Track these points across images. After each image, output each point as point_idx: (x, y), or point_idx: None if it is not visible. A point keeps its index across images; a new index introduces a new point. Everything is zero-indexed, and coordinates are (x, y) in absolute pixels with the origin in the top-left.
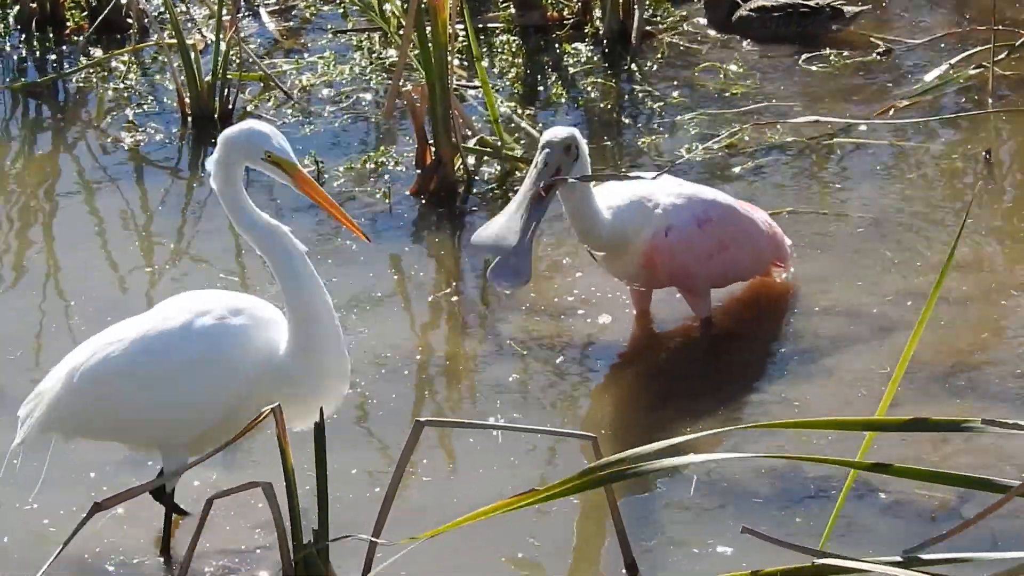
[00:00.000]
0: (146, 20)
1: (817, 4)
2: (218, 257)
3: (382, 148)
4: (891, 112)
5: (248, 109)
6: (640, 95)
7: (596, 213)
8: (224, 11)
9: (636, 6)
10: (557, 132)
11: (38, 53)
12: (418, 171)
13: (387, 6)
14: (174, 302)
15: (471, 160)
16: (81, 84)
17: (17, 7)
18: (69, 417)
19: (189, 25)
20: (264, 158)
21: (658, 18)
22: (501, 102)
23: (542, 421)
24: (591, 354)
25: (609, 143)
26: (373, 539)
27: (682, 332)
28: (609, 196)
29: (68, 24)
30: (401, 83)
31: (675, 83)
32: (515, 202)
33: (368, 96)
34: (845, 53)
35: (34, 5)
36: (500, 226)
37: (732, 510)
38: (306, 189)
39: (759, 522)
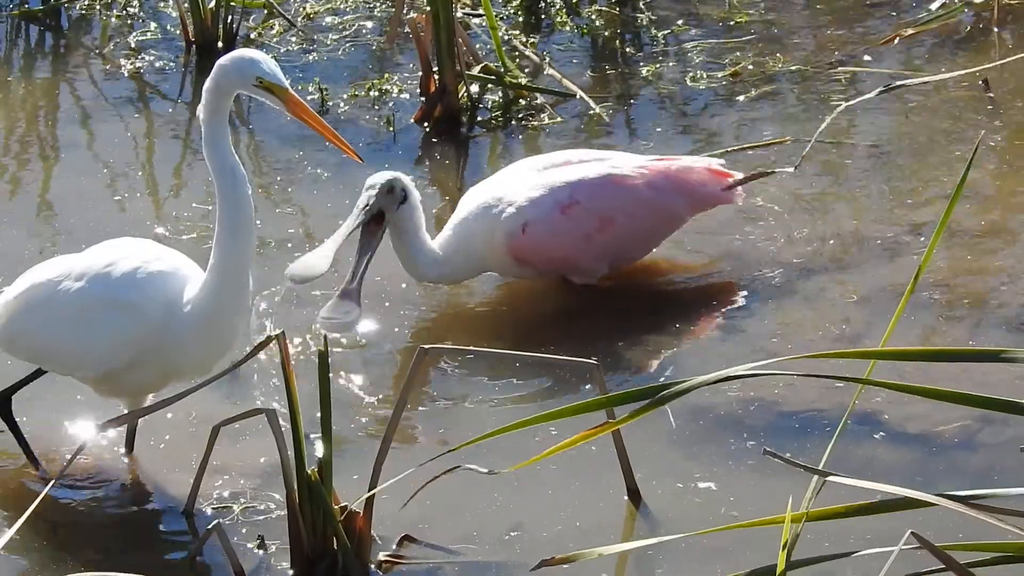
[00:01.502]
0: None
1: None
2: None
3: (386, 76)
4: (896, 41)
5: (251, 36)
6: (644, 23)
7: (422, 257)
8: None
9: None
10: (380, 175)
11: None
12: (422, 99)
13: None
14: (104, 245)
15: (475, 88)
16: (83, 11)
17: None
18: (1, 334)
19: None
20: (256, 84)
21: None
22: (505, 30)
23: (541, 349)
24: (599, 289)
25: (612, 72)
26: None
27: (684, 259)
28: (460, 210)
29: None
30: (405, 11)
31: (679, 11)
32: (331, 240)
33: (371, 24)
34: None
35: None
36: (313, 258)
37: (739, 436)
38: (298, 112)
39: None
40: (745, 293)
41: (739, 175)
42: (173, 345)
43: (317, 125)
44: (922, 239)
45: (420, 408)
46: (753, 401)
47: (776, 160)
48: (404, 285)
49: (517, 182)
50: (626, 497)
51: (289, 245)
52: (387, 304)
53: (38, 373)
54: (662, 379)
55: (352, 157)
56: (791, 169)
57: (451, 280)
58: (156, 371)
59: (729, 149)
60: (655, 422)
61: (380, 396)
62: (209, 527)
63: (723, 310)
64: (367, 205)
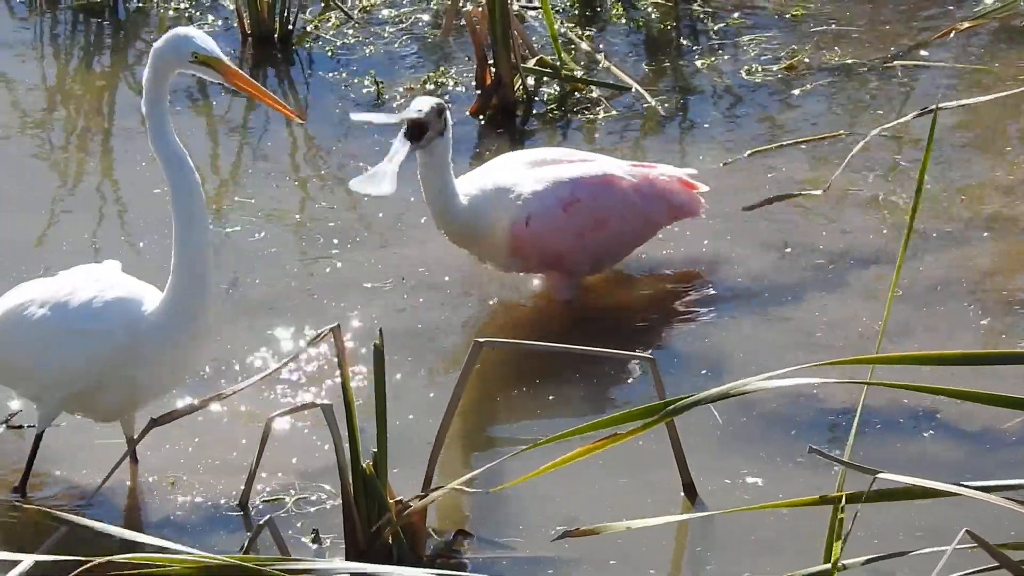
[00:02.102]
0: None
1: None
2: (273, 176)
3: (442, 68)
4: (952, 35)
5: (307, 29)
6: (699, 16)
7: (452, 196)
8: None
9: None
10: (428, 99)
11: None
12: (478, 91)
13: None
14: (71, 272)
15: (530, 80)
16: (141, 3)
17: None
18: None
19: None
20: (192, 60)
21: None
22: (561, 23)
23: (604, 345)
24: (647, 281)
25: (668, 65)
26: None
27: (736, 263)
28: (469, 183)
29: None
30: (461, 3)
31: (735, 4)
32: (390, 159)
33: (427, 17)
34: None
35: None
36: (379, 176)
37: (787, 435)
38: (235, 82)
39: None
40: (796, 286)
41: (704, 187)
42: (140, 361)
43: (256, 91)
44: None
45: (474, 401)
46: (800, 397)
47: (828, 154)
48: (458, 276)
49: (519, 175)
50: (682, 493)
51: (348, 237)
52: (440, 297)
53: None
54: (706, 373)
55: (292, 119)
56: (818, 192)
57: (466, 231)
58: (126, 390)
59: (783, 143)
60: (700, 418)
61: (434, 389)
62: (261, 522)
63: (774, 303)
64: (419, 111)
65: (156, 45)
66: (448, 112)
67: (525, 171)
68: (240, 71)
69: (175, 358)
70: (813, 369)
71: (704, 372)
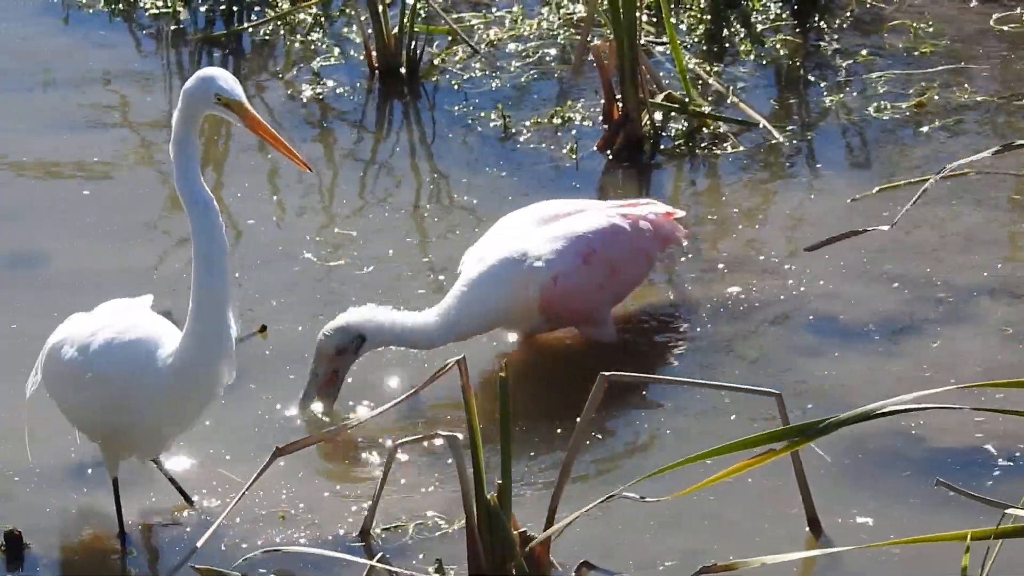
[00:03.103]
0: None
1: None
2: (399, 208)
3: (569, 103)
4: None
5: (434, 62)
6: (828, 52)
7: (420, 335)
8: None
9: None
10: (329, 333)
11: (224, 5)
12: (605, 126)
13: None
14: (100, 309)
15: (658, 115)
16: (267, 36)
17: None
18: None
19: None
20: (216, 101)
21: None
22: (689, 58)
23: (723, 378)
24: (762, 315)
25: (795, 101)
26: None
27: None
28: (470, 269)
29: None
30: (589, 38)
31: (863, 41)
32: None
33: (554, 51)
34: None
35: None
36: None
37: (917, 467)
38: (254, 128)
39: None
40: (915, 321)
41: (681, 213)
42: (152, 405)
43: (271, 140)
44: None
45: (597, 434)
46: (918, 431)
47: (955, 191)
48: None
49: (531, 235)
50: (806, 528)
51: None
52: (564, 330)
53: None
54: (826, 407)
55: (303, 168)
56: (885, 228)
57: (462, 337)
58: (146, 432)
59: (911, 180)
60: (806, 457)
61: (558, 421)
62: (375, 559)
63: (893, 338)
64: (317, 369)
65: (185, 86)
66: (354, 327)
67: (533, 230)
68: (259, 118)
69: (187, 403)
70: (951, 393)
71: (823, 406)
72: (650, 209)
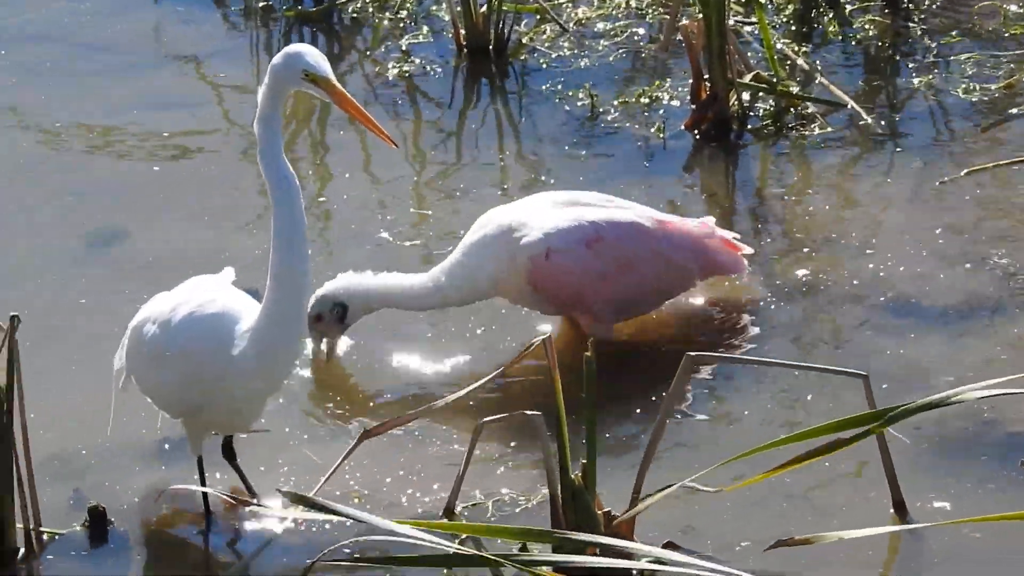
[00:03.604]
0: None
1: None
2: (482, 188)
3: (656, 82)
4: None
5: (522, 41)
6: (916, 33)
7: (413, 297)
8: None
9: None
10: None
11: None
12: (692, 106)
13: None
14: (182, 286)
15: (746, 96)
16: (356, 14)
17: None
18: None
19: None
20: (303, 77)
21: None
22: (777, 38)
23: (803, 358)
24: (857, 294)
25: (883, 82)
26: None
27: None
28: (474, 233)
29: None
30: (678, 17)
31: (952, 22)
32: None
33: (643, 30)
34: None
35: None
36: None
37: (994, 451)
38: (342, 104)
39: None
40: (997, 302)
41: (748, 250)
42: (229, 381)
43: (359, 116)
44: None
45: (682, 413)
46: (994, 414)
47: None
48: None
49: (541, 212)
50: (891, 511)
51: None
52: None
53: None
54: (909, 388)
55: (387, 143)
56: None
57: (457, 303)
58: (223, 408)
59: (1000, 163)
60: (899, 437)
61: (641, 401)
62: (463, 537)
63: (975, 320)
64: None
65: (272, 62)
66: (330, 299)
67: (546, 211)
68: (346, 93)
69: (264, 379)
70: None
71: (906, 388)
72: (705, 229)
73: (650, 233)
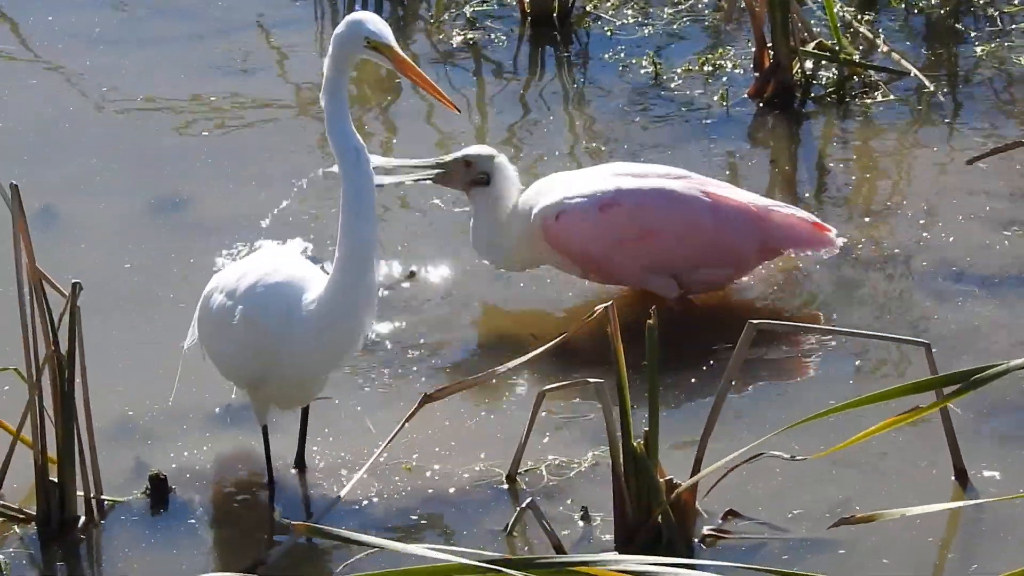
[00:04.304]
0: None
1: None
2: (548, 154)
3: (720, 50)
4: None
5: (587, 8)
6: (979, 2)
7: (476, 235)
8: None
9: None
10: (475, 149)
11: None
12: (755, 74)
13: None
14: (253, 255)
15: (808, 64)
16: None
17: None
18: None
19: None
20: (366, 45)
21: None
22: (840, 7)
23: (861, 325)
24: (918, 261)
25: (946, 52)
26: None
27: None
28: (523, 200)
29: None
30: None
31: None
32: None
33: None
34: None
35: None
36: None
37: None
38: (404, 70)
39: None
40: None
41: (835, 234)
42: (294, 351)
43: (422, 82)
44: None
45: (744, 381)
46: None
47: None
48: None
49: (578, 178)
50: (953, 478)
51: None
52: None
53: None
54: (969, 357)
55: (449, 108)
56: None
57: (507, 266)
58: (291, 380)
59: None
60: (964, 409)
61: (703, 368)
62: (524, 505)
63: None
64: (439, 163)
65: (336, 30)
66: (495, 163)
67: (586, 176)
68: (408, 60)
69: (329, 350)
70: None
71: (958, 354)
72: (777, 208)
73: (687, 203)
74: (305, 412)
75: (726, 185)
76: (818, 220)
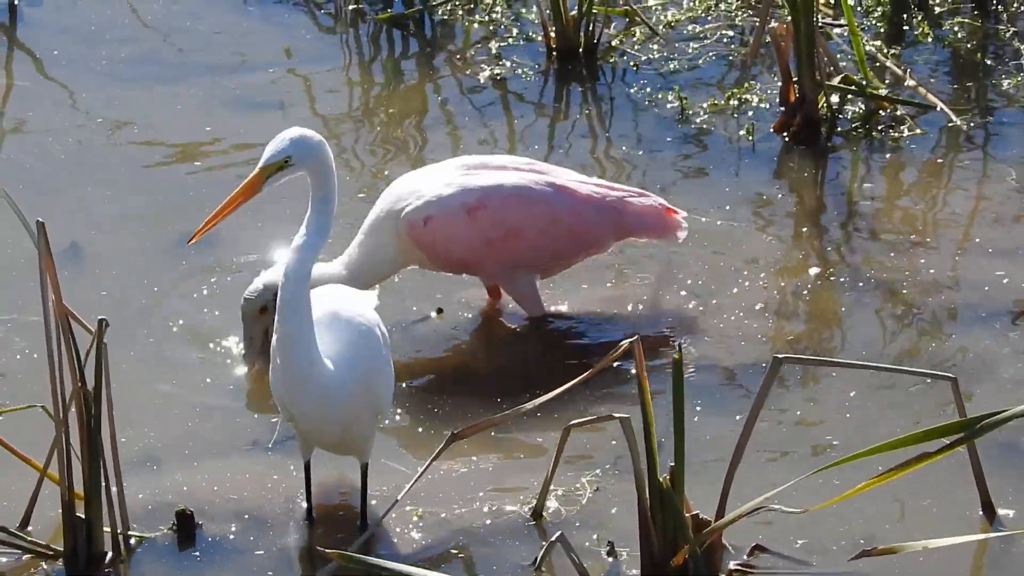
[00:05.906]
0: None
1: None
2: None
3: (745, 85)
4: None
5: (612, 44)
6: (1006, 36)
7: (344, 280)
8: None
9: None
10: (249, 298)
11: None
12: (781, 108)
13: None
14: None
15: (835, 98)
16: (446, 17)
17: None
18: None
19: None
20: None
21: None
22: (866, 41)
23: (889, 359)
24: (944, 296)
25: (973, 85)
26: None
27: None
28: (373, 209)
29: None
30: (767, 20)
31: None
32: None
33: (732, 33)
34: None
35: None
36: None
37: None
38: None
39: None
40: None
41: (683, 214)
42: (303, 406)
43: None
44: None
45: (768, 415)
46: None
47: None
48: (756, 291)
49: (435, 178)
50: (980, 512)
51: None
52: (737, 311)
53: None
54: (996, 390)
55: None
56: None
57: (376, 279)
58: (310, 418)
59: None
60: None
61: (728, 403)
62: (553, 538)
63: None
64: (250, 333)
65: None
66: (258, 301)
67: (440, 177)
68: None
69: (318, 409)
70: None
71: (991, 389)
72: (626, 196)
73: (545, 199)
74: (363, 471)
75: (570, 172)
76: (667, 204)
